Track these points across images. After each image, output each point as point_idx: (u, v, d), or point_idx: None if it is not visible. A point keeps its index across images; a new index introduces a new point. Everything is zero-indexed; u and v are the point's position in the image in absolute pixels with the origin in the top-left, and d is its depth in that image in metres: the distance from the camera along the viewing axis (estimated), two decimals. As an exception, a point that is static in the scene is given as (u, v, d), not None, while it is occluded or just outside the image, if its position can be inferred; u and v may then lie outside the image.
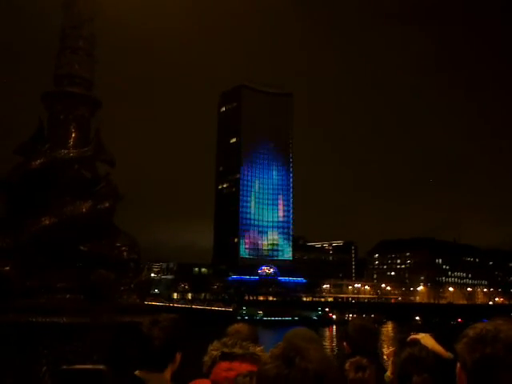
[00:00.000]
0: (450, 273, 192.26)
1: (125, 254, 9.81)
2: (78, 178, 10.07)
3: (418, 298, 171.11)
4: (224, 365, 2.93)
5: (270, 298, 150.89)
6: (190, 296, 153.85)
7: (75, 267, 9.26)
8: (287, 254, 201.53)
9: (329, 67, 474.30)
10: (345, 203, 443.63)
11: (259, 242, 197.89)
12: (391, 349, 3.55)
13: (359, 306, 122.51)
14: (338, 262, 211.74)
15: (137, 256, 10.08)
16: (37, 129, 10.18)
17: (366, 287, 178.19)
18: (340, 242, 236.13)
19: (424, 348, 2.97)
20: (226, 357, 2.96)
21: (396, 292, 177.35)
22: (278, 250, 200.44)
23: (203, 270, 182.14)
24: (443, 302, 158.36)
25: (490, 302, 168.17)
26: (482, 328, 1.50)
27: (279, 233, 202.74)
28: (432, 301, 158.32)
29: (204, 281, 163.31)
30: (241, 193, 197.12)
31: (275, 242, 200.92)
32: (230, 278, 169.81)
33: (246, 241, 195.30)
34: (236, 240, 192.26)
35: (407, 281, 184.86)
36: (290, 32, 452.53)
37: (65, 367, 2.92)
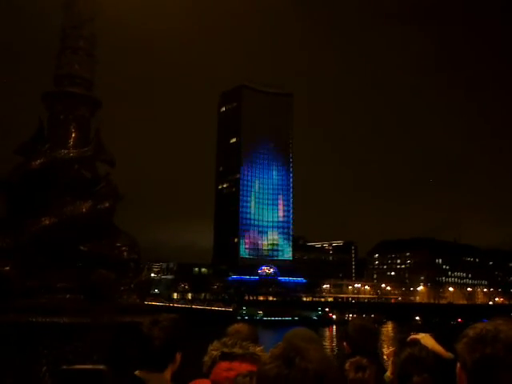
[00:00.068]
0: (450, 273, 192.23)
1: (125, 253, 9.81)
2: (78, 178, 10.07)
3: (418, 298, 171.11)
4: (224, 365, 2.93)
5: (270, 298, 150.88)
6: (190, 296, 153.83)
7: (75, 267, 9.26)
8: (287, 254, 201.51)
9: (329, 67, 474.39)
10: (345, 203, 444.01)
11: (259, 242, 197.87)
12: (391, 349, 3.56)
13: (359, 306, 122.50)
14: (338, 262, 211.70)
15: (137, 256, 10.08)
16: (37, 129, 10.18)
17: (366, 287, 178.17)
18: (340, 242, 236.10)
19: (424, 348, 2.97)
20: (225, 357, 2.96)
21: (396, 292, 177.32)
22: (278, 250, 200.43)
23: (203, 270, 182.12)
24: (443, 302, 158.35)
25: (490, 302, 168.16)
26: (482, 328, 1.50)
27: (279, 233, 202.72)
28: (432, 301, 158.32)
29: (204, 281, 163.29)
30: (241, 193, 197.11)
31: (275, 242, 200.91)
32: (230, 278, 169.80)
33: (246, 241, 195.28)
34: (236, 240, 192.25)
35: (407, 281, 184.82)
36: (290, 32, 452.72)
37: (65, 367, 2.92)
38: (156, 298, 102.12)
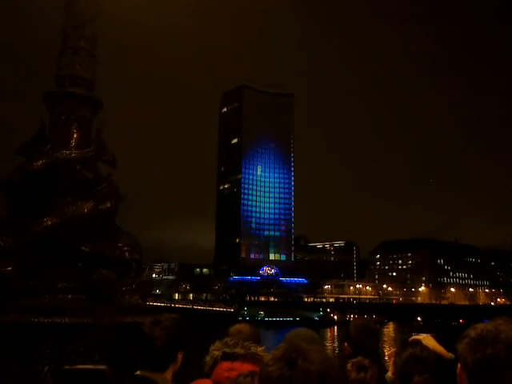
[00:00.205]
0: (451, 273, 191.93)
1: (127, 254, 9.81)
2: (80, 179, 10.07)
3: (419, 298, 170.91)
4: (225, 365, 2.93)
5: (272, 299, 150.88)
6: (191, 296, 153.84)
7: (77, 267, 9.27)
8: (288, 254, 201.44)
9: (329, 67, 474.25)
10: (345, 203, 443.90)
11: (260, 243, 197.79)
12: (393, 349, 3.56)
13: (361, 307, 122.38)
14: (339, 263, 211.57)
15: (139, 256, 10.08)
16: (38, 129, 10.19)
17: (368, 288, 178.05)
18: (341, 243, 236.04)
19: (425, 348, 2.97)
20: (227, 357, 2.96)
21: (397, 292, 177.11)
22: (279, 251, 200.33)
23: (204, 270, 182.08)
24: (445, 302, 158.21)
25: (492, 303, 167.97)
26: (483, 328, 1.50)
27: (280, 233, 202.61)
28: (433, 301, 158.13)
29: (205, 281, 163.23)
30: (242, 193, 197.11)
31: (276, 243, 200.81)
32: (231, 279, 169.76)
33: (248, 241, 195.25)
34: (237, 240, 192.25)
35: (409, 281, 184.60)
36: (290, 32, 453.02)
37: (67, 367, 2.92)
38: (157, 298, 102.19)
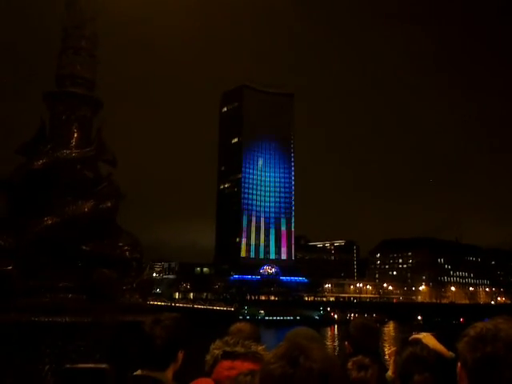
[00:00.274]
0: (451, 272, 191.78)
1: (127, 253, 9.82)
2: (81, 178, 10.08)
3: (419, 297, 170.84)
4: (226, 364, 2.93)
5: (272, 298, 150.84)
6: (191, 296, 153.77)
7: (77, 267, 9.28)
8: (289, 253, 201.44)
9: (329, 67, 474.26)
10: (346, 203, 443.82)
11: (261, 242, 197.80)
12: (393, 348, 3.56)
13: (361, 306, 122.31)
14: (339, 262, 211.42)
15: (139, 255, 10.09)
16: (39, 129, 10.20)
17: (368, 287, 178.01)
18: (342, 242, 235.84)
19: (425, 347, 2.98)
20: (227, 356, 2.97)
21: (398, 292, 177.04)
22: (279, 250, 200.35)
23: (205, 269, 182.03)
24: (445, 301, 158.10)
25: (492, 302, 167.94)
26: (483, 327, 1.51)
27: (281, 232, 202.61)
28: (434, 300, 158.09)
29: (206, 280, 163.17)
30: (242, 192, 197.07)
31: (277, 242, 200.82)
32: (231, 278, 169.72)
33: (248, 240, 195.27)
34: (238, 240, 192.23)
35: (409, 280, 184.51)
36: (290, 32, 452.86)
37: (67, 366, 2.93)
38: (158, 297, 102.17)
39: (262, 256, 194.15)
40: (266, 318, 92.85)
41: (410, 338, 3.30)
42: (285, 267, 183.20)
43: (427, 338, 3.26)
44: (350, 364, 3.24)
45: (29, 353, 7.53)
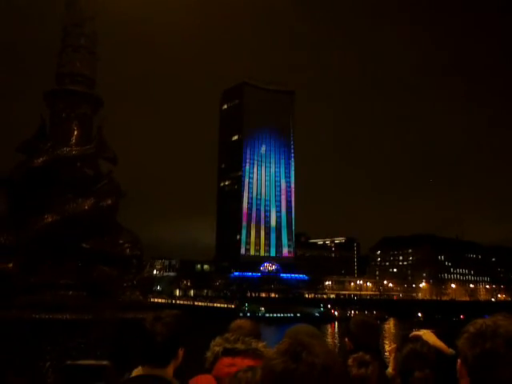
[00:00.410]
0: (452, 269, 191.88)
1: (127, 250, 9.84)
2: (81, 176, 10.08)
3: (420, 294, 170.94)
4: (226, 360, 2.94)
5: (272, 295, 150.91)
6: (192, 293, 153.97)
7: (78, 264, 9.29)
8: (289, 251, 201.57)
9: (330, 65, 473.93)
10: (346, 200, 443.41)
11: (261, 239, 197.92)
12: (393, 345, 3.57)
13: (361, 303, 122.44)
14: (340, 259, 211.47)
15: (139, 253, 10.10)
16: (39, 127, 10.20)
17: (368, 284, 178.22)
18: (342, 239, 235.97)
19: (426, 344, 2.99)
20: (228, 352, 2.97)
21: (398, 289, 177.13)
22: (280, 247, 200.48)
23: (205, 266, 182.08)
24: (445, 298, 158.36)
25: (493, 299, 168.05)
26: (482, 323, 1.51)
27: (281, 230, 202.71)
28: (434, 297, 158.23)
29: (206, 278, 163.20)
30: (243, 190, 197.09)
31: (277, 239, 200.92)
32: (232, 275, 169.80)
33: (248, 238, 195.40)
34: (238, 237, 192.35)
35: (409, 277, 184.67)
36: (290, 29, 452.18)
37: (68, 363, 2.94)
38: (158, 294, 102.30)
39: (262, 253, 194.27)
40: (267, 315, 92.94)
41: (410, 335, 3.31)
42: (285, 264, 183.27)
43: (427, 335, 3.27)
44: (350, 361, 3.24)
45: (30, 350, 7.55)
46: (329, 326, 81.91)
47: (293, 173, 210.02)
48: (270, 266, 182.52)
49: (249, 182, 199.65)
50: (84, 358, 4.89)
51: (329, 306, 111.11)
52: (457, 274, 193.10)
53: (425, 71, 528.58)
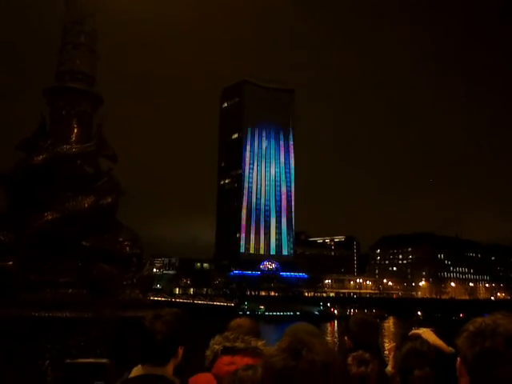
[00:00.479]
0: (451, 268, 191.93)
1: (127, 248, 9.84)
2: (81, 174, 10.08)
3: (419, 293, 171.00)
4: (226, 359, 2.94)
5: (272, 293, 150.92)
6: (191, 291, 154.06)
7: (78, 262, 9.29)
8: (289, 249, 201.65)
9: (330, 64, 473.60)
10: (346, 199, 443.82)
11: (261, 238, 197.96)
12: (393, 343, 3.57)
13: (361, 301, 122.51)
14: (339, 258, 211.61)
15: (139, 251, 10.10)
16: (39, 124, 10.19)
17: (368, 282, 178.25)
18: (342, 238, 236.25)
19: (425, 342, 2.99)
20: (227, 351, 2.97)
21: (398, 287, 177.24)
22: (279, 246, 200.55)
23: (205, 265, 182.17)
24: (445, 297, 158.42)
25: (492, 298, 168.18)
26: (482, 322, 1.51)
27: (281, 228, 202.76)
28: (434, 296, 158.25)
29: (206, 276, 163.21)
30: (243, 188, 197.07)
31: (277, 238, 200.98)
32: (231, 273, 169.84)
33: (248, 236, 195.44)
34: (238, 235, 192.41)
35: (409, 276, 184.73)
36: (291, 28, 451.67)
37: (68, 361, 2.94)
38: (158, 293, 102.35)
39: (262, 252, 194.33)
40: (266, 313, 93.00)
41: (410, 334, 3.32)
42: (285, 263, 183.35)
43: (427, 334, 3.27)
44: (350, 359, 3.24)
45: (29, 348, 7.55)
46: (328, 324, 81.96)
47: (293, 171, 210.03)
48: (269, 265, 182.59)
49: (249, 181, 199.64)
50: (84, 356, 4.89)
51: (328, 304, 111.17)
52: (456, 272, 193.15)
53: (425, 71, 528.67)
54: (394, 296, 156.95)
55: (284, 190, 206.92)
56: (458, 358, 1.57)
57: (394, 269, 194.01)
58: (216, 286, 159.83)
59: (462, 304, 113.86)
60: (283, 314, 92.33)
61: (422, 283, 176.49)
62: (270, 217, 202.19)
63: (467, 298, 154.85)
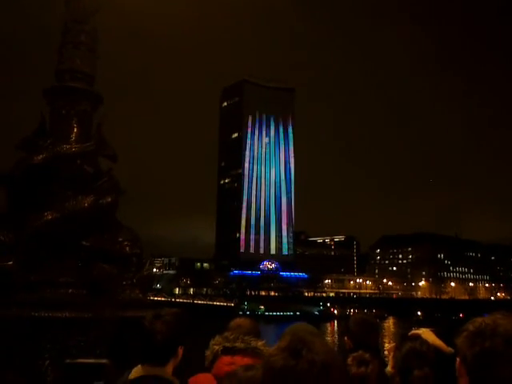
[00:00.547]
0: (451, 268, 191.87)
1: (127, 248, 9.83)
2: (81, 173, 10.07)
3: (419, 293, 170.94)
4: (226, 359, 2.94)
5: (272, 293, 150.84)
6: (191, 291, 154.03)
7: (77, 262, 9.29)
8: (289, 249, 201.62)
9: (330, 63, 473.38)
10: (346, 198, 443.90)
11: (261, 237, 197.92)
12: (392, 344, 3.57)
13: (361, 301, 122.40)
14: (339, 257, 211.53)
15: (139, 251, 10.10)
16: (39, 124, 10.18)
17: (368, 282, 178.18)
18: (342, 237, 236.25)
19: (425, 342, 2.99)
20: (227, 351, 2.97)
21: (398, 287, 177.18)
22: (279, 245, 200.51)
23: (205, 265, 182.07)
24: (445, 297, 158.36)
25: (492, 297, 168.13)
26: (481, 322, 1.51)
27: (281, 228, 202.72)
28: (434, 296, 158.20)
29: (206, 276, 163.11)
30: (242, 188, 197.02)
31: (277, 237, 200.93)
32: (231, 273, 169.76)
33: (248, 236, 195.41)
34: (238, 235, 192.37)
35: (409, 276, 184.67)
36: (291, 27, 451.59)
37: (68, 361, 2.94)
38: (158, 293, 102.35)
39: (262, 251, 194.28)
40: (266, 313, 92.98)
41: (410, 334, 3.31)
42: (285, 263, 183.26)
43: (426, 334, 3.27)
44: (350, 359, 3.24)
45: (29, 348, 7.55)
46: (328, 324, 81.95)
47: (293, 171, 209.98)
48: (269, 265, 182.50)
49: (249, 180, 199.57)
50: (83, 356, 4.89)
51: (328, 304, 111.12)
52: (456, 272, 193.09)
53: (425, 71, 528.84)
54: (394, 296, 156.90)
55: (284, 189, 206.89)
56: (458, 358, 1.57)
57: (394, 269, 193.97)
58: (216, 285, 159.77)
59: (462, 304, 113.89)
60: (283, 314, 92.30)
61: (422, 283, 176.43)
62: (269, 217, 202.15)
63: (467, 297, 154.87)
